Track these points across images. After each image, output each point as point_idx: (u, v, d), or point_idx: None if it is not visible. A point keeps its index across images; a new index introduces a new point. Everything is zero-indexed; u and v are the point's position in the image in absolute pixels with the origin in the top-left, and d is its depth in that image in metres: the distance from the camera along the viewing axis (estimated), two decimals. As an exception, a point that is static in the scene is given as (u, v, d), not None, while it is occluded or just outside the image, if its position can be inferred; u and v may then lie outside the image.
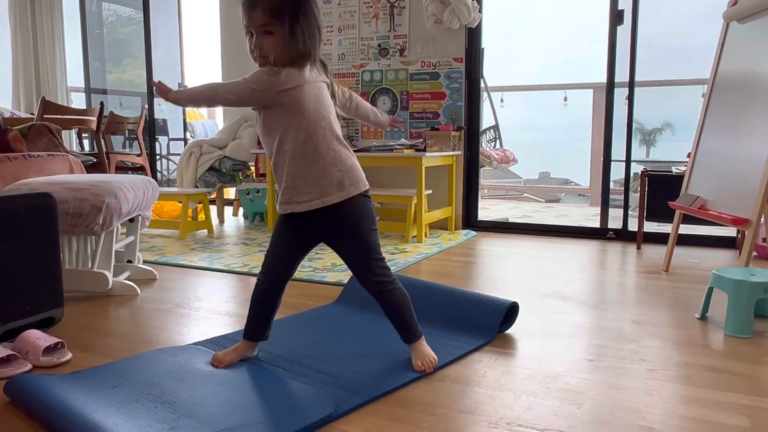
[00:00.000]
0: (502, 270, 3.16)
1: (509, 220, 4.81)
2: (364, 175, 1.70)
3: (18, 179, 2.52)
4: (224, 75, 5.11)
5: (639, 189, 3.71)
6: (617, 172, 4.11)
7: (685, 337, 2.04)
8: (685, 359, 1.83)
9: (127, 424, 1.35)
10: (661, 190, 3.52)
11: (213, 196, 4.84)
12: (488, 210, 5.65)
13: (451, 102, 4.29)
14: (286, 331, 2.00)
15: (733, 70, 2.92)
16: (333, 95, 1.71)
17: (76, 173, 2.97)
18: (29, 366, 1.72)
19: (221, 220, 4.80)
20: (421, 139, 4.14)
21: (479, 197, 4.57)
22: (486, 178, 7.35)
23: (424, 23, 4.22)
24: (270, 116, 1.62)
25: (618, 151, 3.99)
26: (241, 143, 4.75)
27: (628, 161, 3.97)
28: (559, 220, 5.28)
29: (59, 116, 4.11)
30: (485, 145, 6.28)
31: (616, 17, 3.85)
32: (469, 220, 4.42)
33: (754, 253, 3.38)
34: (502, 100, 6.93)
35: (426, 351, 1.74)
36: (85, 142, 5.63)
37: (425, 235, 3.92)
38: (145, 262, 3.05)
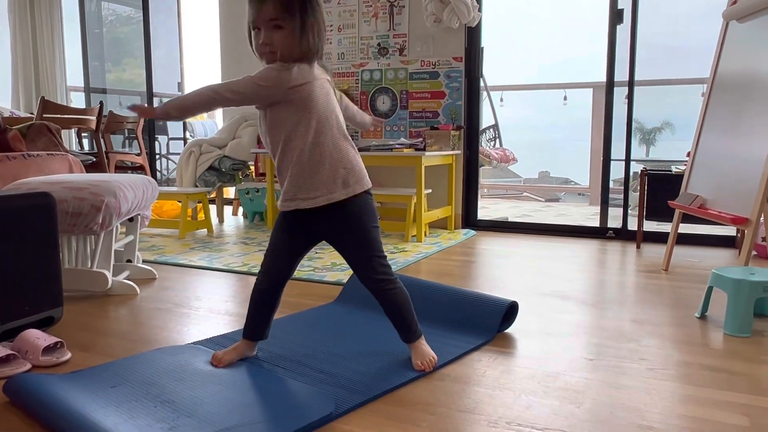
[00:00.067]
0: (501, 269, 3.16)
1: (509, 220, 4.81)
2: (366, 172, 1.71)
3: (17, 179, 2.52)
4: (224, 74, 5.11)
5: (639, 188, 3.72)
6: (617, 171, 4.11)
7: (684, 336, 2.04)
8: (684, 358, 1.83)
9: (126, 424, 1.35)
10: (661, 190, 3.52)
11: (212, 195, 4.84)
12: (488, 209, 5.66)
13: (451, 101, 4.29)
14: (286, 331, 2.00)
15: (733, 70, 2.92)
16: (333, 93, 1.71)
17: (75, 173, 2.97)
18: (28, 365, 1.72)
19: (221, 220, 4.80)
20: (421, 139, 4.14)
21: (479, 196, 4.57)
22: (486, 178, 7.35)
23: (424, 22, 4.22)
24: (278, 113, 1.59)
25: (618, 150, 4.00)
26: (241, 142, 4.75)
27: (627, 160, 3.97)
28: (558, 220, 5.29)
29: (59, 116, 4.11)
30: (485, 145, 6.28)
31: (616, 16, 3.85)
32: (469, 219, 4.42)
33: (754, 253, 3.38)
34: (501, 100, 6.94)
35: (426, 350, 1.74)
36: (85, 142, 5.62)
37: (425, 235, 3.91)
38: (144, 261, 3.05)
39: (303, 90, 1.57)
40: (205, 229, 4.23)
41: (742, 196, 2.53)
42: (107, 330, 2.12)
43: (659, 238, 3.73)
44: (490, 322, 2.00)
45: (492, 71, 6.47)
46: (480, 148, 4.57)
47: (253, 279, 1.76)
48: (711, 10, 3.60)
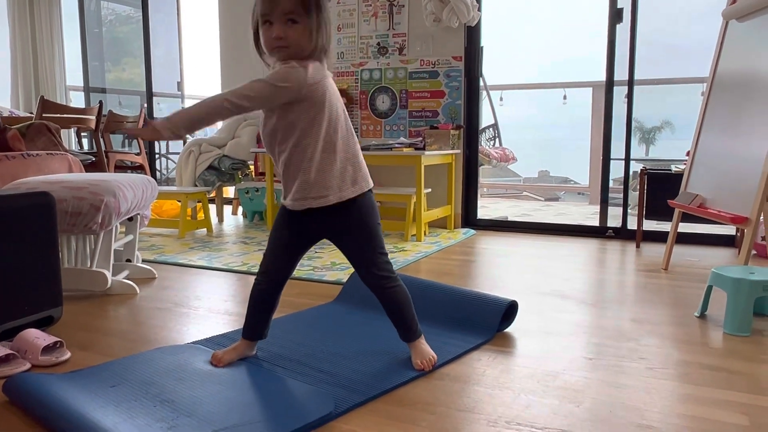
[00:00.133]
0: (501, 268, 3.16)
1: (508, 219, 4.81)
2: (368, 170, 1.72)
3: (17, 178, 2.52)
4: (223, 73, 5.11)
5: (638, 187, 3.72)
6: (616, 170, 4.11)
7: (684, 335, 2.04)
8: (684, 357, 1.83)
9: (126, 423, 1.35)
10: (661, 189, 3.52)
11: (212, 194, 4.84)
12: (487, 208, 5.65)
13: (451, 100, 4.29)
14: (286, 330, 2.00)
15: (732, 69, 2.92)
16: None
17: (75, 172, 2.97)
18: (28, 365, 1.72)
19: (220, 219, 4.80)
20: (421, 138, 4.13)
21: (478, 196, 4.57)
22: (485, 177, 7.35)
23: (424, 22, 4.21)
24: (290, 112, 1.56)
25: (617, 149, 4.00)
26: (240, 142, 4.74)
27: (627, 160, 3.97)
28: (558, 219, 5.29)
29: (58, 115, 4.11)
30: (484, 144, 6.29)
31: (616, 15, 3.85)
32: (469, 218, 4.42)
33: (753, 252, 3.38)
34: (501, 99, 6.93)
35: (425, 349, 1.74)
36: (84, 141, 5.62)
37: (424, 234, 3.91)
38: (144, 261, 3.05)
39: (319, 88, 1.56)
40: (205, 229, 4.23)
41: (742, 196, 2.53)
42: (107, 329, 2.12)
43: (659, 237, 3.74)
44: (489, 321, 2.00)
45: (491, 70, 6.48)
46: (479, 147, 4.58)
47: (253, 278, 1.76)
48: (710, 10, 3.60)
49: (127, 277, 2.71)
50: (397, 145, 3.98)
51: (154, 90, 5.83)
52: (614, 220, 4.07)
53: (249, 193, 4.62)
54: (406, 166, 4.09)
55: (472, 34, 4.24)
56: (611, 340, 1.98)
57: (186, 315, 2.29)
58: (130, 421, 1.37)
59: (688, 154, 3.16)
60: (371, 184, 1.70)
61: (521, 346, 1.93)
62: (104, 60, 6.65)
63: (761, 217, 2.43)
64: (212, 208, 4.87)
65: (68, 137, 5.74)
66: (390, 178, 4.35)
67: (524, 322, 2.12)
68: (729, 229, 3.68)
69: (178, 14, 6.51)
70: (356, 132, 4.51)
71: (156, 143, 6.10)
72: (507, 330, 2.06)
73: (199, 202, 4.30)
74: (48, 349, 1.78)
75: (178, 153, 5.64)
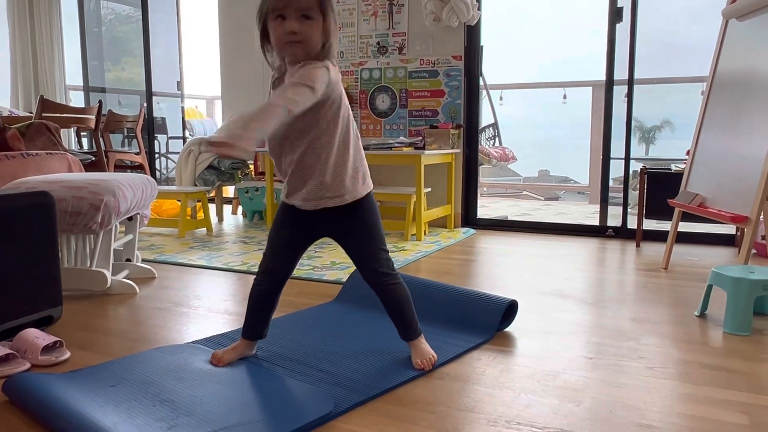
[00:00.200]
0: (501, 268, 3.16)
1: (508, 218, 4.81)
2: None
3: (16, 178, 2.52)
4: (223, 73, 5.10)
5: (638, 187, 3.71)
6: (616, 169, 4.11)
7: (684, 334, 2.04)
8: (684, 357, 1.83)
9: (125, 423, 1.35)
10: (661, 188, 3.52)
11: (212, 194, 4.84)
12: (487, 208, 5.65)
13: (450, 100, 4.29)
14: (285, 330, 2.00)
15: (732, 68, 2.92)
16: None
17: (74, 172, 2.97)
18: (28, 365, 1.72)
19: (220, 219, 4.80)
20: (420, 137, 4.13)
21: (478, 195, 4.57)
22: (485, 176, 7.35)
23: (423, 21, 4.21)
24: (311, 112, 1.53)
25: (617, 148, 3.99)
26: (240, 141, 4.74)
27: (627, 159, 3.97)
28: (558, 218, 5.28)
29: (58, 115, 4.11)
30: (484, 143, 6.29)
31: (615, 14, 3.85)
32: (469, 218, 4.42)
33: (753, 251, 3.38)
34: (501, 98, 6.93)
35: (425, 349, 1.73)
36: (84, 141, 5.62)
37: (424, 233, 3.91)
38: (143, 260, 3.05)
39: (338, 88, 1.57)
40: (205, 228, 4.23)
41: (742, 195, 2.53)
42: (106, 329, 2.12)
43: (659, 236, 3.73)
44: (489, 320, 2.00)
45: (491, 70, 6.47)
46: (479, 146, 4.57)
47: (253, 278, 1.76)
48: (710, 9, 3.60)
49: (126, 277, 2.71)
50: (396, 145, 3.98)
51: (153, 89, 5.83)
52: (614, 220, 4.07)
53: (249, 193, 4.61)
54: (406, 166, 4.09)
55: (472, 33, 4.23)
56: (611, 340, 1.98)
57: (186, 314, 2.29)
58: (129, 420, 1.37)
59: (688, 153, 3.16)
60: (372, 183, 1.71)
61: (521, 346, 1.93)
62: (104, 59, 6.64)
63: (761, 217, 2.43)
64: (212, 208, 4.87)
65: (68, 137, 5.74)
66: (390, 177, 4.35)
67: (524, 322, 2.12)
68: (729, 229, 3.68)
69: (178, 14, 6.50)
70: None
71: (155, 142, 6.10)
72: (507, 329, 2.06)
73: (198, 201, 4.30)
74: (48, 349, 1.78)
75: (177, 152, 5.64)
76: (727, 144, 2.81)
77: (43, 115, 3.93)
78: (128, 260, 2.83)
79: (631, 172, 4.06)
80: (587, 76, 7.05)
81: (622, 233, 3.97)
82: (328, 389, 1.55)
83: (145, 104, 5.71)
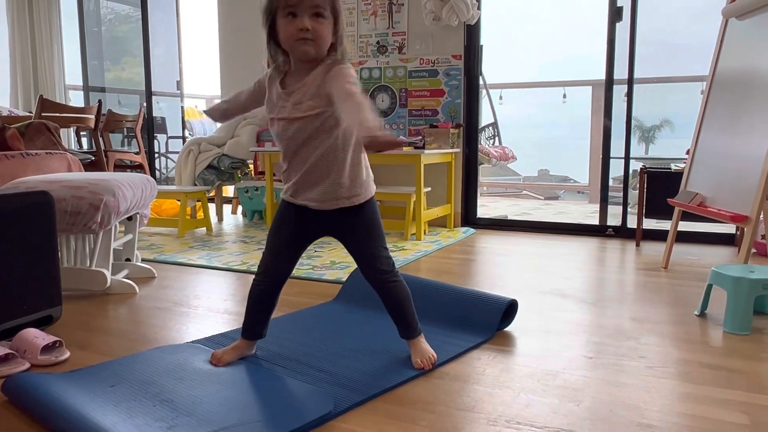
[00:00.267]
0: (501, 267, 3.16)
1: (508, 218, 4.81)
2: None
3: (16, 177, 2.52)
4: (223, 72, 5.10)
5: (638, 186, 3.71)
6: (616, 169, 4.11)
7: (684, 334, 2.04)
8: (684, 356, 1.83)
9: (125, 423, 1.35)
10: (660, 187, 3.52)
11: (212, 194, 4.84)
12: (487, 207, 5.65)
13: (450, 99, 4.28)
14: (285, 329, 2.00)
15: (732, 67, 2.92)
16: None
17: (74, 171, 2.97)
18: (27, 365, 1.72)
19: (220, 218, 4.80)
20: (420, 137, 4.13)
21: (478, 195, 4.57)
22: (485, 176, 7.35)
23: (423, 20, 4.21)
24: (333, 112, 1.54)
25: (617, 148, 3.99)
26: (240, 141, 4.74)
27: (627, 158, 3.97)
28: (558, 218, 5.28)
29: (57, 114, 4.11)
30: (484, 143, 6.29)
31: (615, 14, 3.85)
32: (468, 217, 4.42)
33: (753, 250, 3.38)
34: (501, 98, 6.93)
35: (425, 348, 1.73)
36: (84, 141, 5.62)
37: (424, 233, 3.91)
38: (143, 260, 3.05)
39: None
40: (204, 228, 4.23)
41: (742, 194, 2.53)
42: (106, 329, 2.12)
43: (659, 235, 3.73)
44: (489, 320, 2.00)
45: (491, 69, 6.48)
46: (479, 146, 4.57)
47: (252, 277, 1.76)
48: (710, 8, 3.60)
49: (126, 277, 2.71)
50: (396, 144, 3.97)
51: (153, 89, 5.83)
52: (614, 219, 4.07)
53: (248, 192, 4.61)
54: (406, 165, 4.09)
55: (472, 32, 4.23)
56: (611, 339, 1.98)
57: (185, 314, 2.28)
58: (129, 420, 1.37)
59: (687, 152, 3.16)
60: None
61: (521, 345, 1.93)
62: (103, 59, 6.64)
63: (761, 216, 2.43)
64: (212, 208, 4.87)
65: (67, 136, 5.74)
66: (389, 177, 4.34)
67: (524, 321, 2.12)
68: (729, 228, 3.68)
69: (178, 13, 6.50)
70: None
71: (155, 142, 6.10)
72: (507, 329, 2.06)
73: (198, 201, 4.30)
74: (47, 349, 1.78)
75: (177, 152, 5.64)
76: (727, 143, 2.81)
77: (43, 114, 3.93)
78: (128, 260, 2.83)
79: (630, 171, 4.06)
80: (587, 75, 7.04)
81: (622, 232, 3.97)
82: (328, 389, 1.55)
83: (145, 104, 5.71)
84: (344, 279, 2.55)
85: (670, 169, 3.65)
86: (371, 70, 4.51)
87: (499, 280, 2.85)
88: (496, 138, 6.64)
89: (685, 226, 3.41)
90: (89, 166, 4.03)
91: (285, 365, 1.71)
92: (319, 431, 1.36)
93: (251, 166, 4.93)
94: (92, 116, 4.38)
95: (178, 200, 4.16)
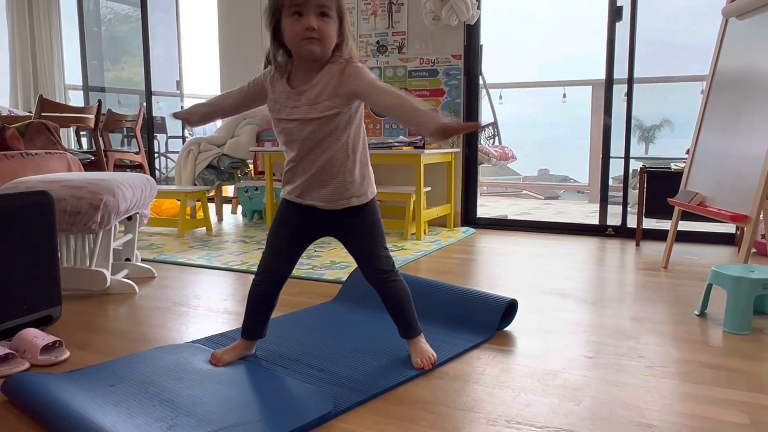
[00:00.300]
0: (500, 267, 3.16)
1: (508, 218, 4.81)
2: None
3: (15, 177, 2.52)
4: (222, 72, 5.09)
5: (638, 186, 3.71)
6: (616, 168, 4.11)
7: (684, 333, 2.04)
8: (683, 356, 1.83)
9: (125, 423, 1.35)
10: (660, 187, 3.52)
11: (211, 194, 4.84)
12: (487, 207, 5.65)
13: (450, 99, 4.28)
14: (285, 329, 2.00)
15: (732, 67, 2.92)
16: None
17: (74, 171, 2.97)
18: (27, 365, 1.72)
19: (220, 218, 4.79)
20: (420, 137, 4.13)
21: (478, 194, 4.57)
22: (485, 176, 7.35)
23: (423, 20, 4.21)
24: (349, 111, 1.56)
25: (617, 147, 3.99)
26: (240, 141, 4.74)
27: (627, 158, 3.97)
28: (558, 217, 5.28)
29: (57, 114, 4.10)
30: (484, 142, 6.29)
31: (615, 14, 3.85)
32: (468, 217, 4.42)
33: (753, 250, 3.38)
34: (500, 97, 6.94)
35: (425, 348, 1.73)
36: (83, 140, 5.62)
37: (424, 233, 3.91)
38: (143, 260, 3.05)
39: None
40: (204, 228, 4.23)
41: (742, 194, 2.53)
42: (106, 329, 2.11)
43: (658, 235, 3.73)
44: (489, 320, 2.00)
45: (491, 69, 6.49)
46: (479, 145, 4.57)
47: (252, 277, 1.75)
48: (710, 8, 3.60)
49: (126, 277, 2.71)
50: (396, 144, 3.98)
51: (153, 89, 5.83)
52: (614, 219, 4.07)
53: (248, 192, 4.61)
54: (406, 165, 4.09)
55: (472, 32, 4.23)
56: (611, 339, 1.98)
57: (185, 314, 2.28)
58: (129, 420, 1.36)
59: (687, 152, 3.16)
60: None
61: (521, 345, 1.93)
62: (103, 59, 6.64)
63: (761, 215, 2.43)
64: (211, 207, 4.87)
65: (67, 136, 5.74)
66: (389, 176, 4.34)
67: (524, 321, 2.12)
68: (729, 227, 3.68)
69: (177, 13, 6.51)
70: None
71: (155, 142, 6.10)
72: (507, 329, 2.06)
73: (198, 201, 4.30)
74: (47, 349, 1.78)
75: (177, 152, 5.63)
76: (727, 143, 2.81)
77: (43, 114, 3.93)
78: (128, 260, 2.83)
79: (630, 171, 4.06)
80: (587, 75, 7.06)
81: (622, 232, 3.97)
82: (328, 389, 1.54)
83: (145, 103, 5.71)
84: (344, 279, 2.55)
85: (670, 168, 3.65)
86: (371, 69, 4.50)
87: (499, 280, 2.85)
88: (496, 138, 6.64)
89: (685, 225, 3.41)
90: (89, 166, 4.03)
91: (285, 365, 1.71)
92: (319, 431, 1.36)
93: (251, 166, 4.93)
94: (92, 116, 4.38)
95: (178, 200, 4.16)
